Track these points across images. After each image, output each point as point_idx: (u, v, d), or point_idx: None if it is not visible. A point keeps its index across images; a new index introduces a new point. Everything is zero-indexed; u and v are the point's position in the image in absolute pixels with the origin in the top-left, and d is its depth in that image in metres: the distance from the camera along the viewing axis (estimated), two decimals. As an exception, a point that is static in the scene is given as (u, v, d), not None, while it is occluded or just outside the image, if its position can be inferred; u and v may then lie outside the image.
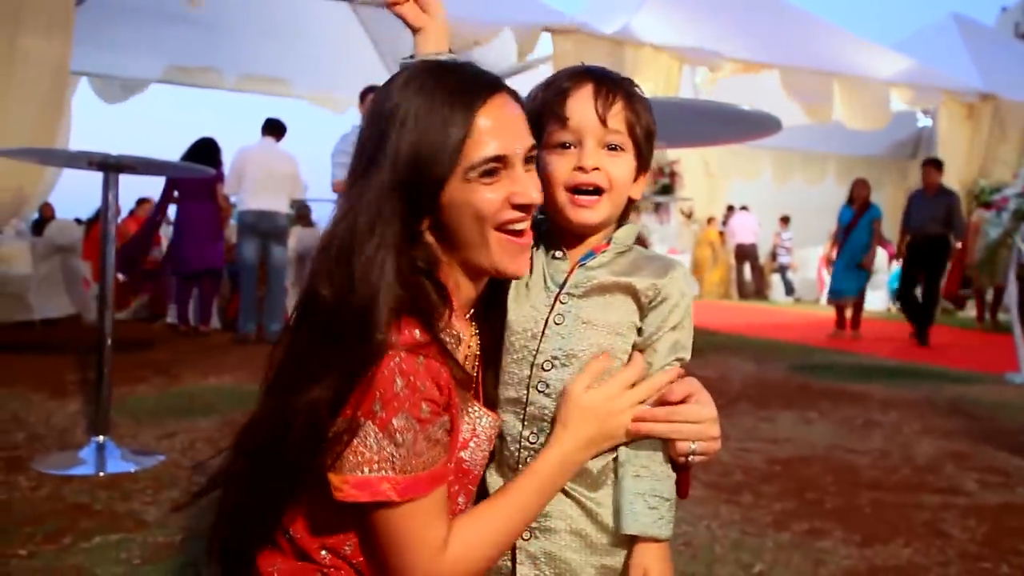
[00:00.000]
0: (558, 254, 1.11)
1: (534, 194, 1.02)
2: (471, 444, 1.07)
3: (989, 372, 6.24)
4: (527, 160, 1.04)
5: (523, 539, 1.09)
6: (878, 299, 11.59)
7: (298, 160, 7.01)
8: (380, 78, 7.29)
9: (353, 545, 1.04)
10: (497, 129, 1.00)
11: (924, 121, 11.66)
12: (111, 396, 3.34)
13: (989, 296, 9.86)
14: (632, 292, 1.07)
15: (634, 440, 1.08)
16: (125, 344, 5.76)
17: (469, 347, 1.12)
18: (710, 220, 14.65)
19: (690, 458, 1.05)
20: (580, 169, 1.06)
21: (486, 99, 1.00)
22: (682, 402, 1.07)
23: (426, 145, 0.98)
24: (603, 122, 1.06)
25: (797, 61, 8.58)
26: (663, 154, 8.67)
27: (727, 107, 2.87)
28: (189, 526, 2.51)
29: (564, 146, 1.07)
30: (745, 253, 14.67)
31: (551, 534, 1.08)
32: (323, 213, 9.53)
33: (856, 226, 8.37)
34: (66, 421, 3.79)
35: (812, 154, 14.59)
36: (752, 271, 14.92)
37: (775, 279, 15.26)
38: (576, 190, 1.07)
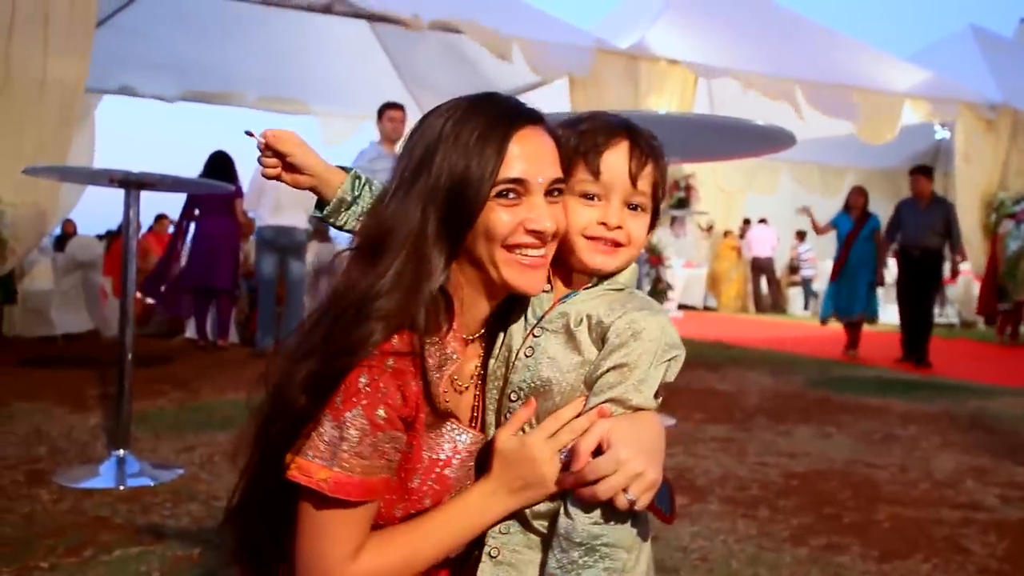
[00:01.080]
0: (547, 287, 1.12)
1: (547, 223, 1.04)
2: (454, 461, 1.08)
3: (1010, 386, 6.17)
4: (551, 192, 1.06)
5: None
6: (894, 312, 11.46)
7: None
8: (397, 94, 7.36)
9: None
10: (524, 155, 1.03)
11: (942, 133, 11.59)
12: (131, 410, 3.38)
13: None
14: (587, 327, 1.07)
15: (574, 502, 1.02)
16: (145, 359, 5.82)
17: (468, 367, 1.13)
18: (726, 233, 14.62)
19: (636, 507, 0.98)
20: (603, 224, 1.08)
21: (521, 127, 1.04)
22: (599, 452, 1.01)
23: (468, 169, 1.02)
24: (633, 183, 1.08)
25: (814, 75, 8.56)
26: (679, 168, 8.65)
27: (742, 122, 2.88)
28: (208, 539, 2.53)
29: (589, 197, 1.09)
30: (761, 266, 14.60)
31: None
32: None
33: (857, 238, 7.88)
34: (87, 435, 3.83)
35: (829, 167, 14.52)
36: (769, 284, 14.85)
37: (791, 292, 15.17)
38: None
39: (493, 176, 1.02)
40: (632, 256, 1.11)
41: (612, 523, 1.01)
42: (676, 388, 5.53)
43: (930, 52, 12.18)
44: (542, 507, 1.07)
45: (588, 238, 1.08)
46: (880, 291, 8.33)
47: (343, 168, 1.30)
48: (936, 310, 12.29)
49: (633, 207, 1.10)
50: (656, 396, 1.07)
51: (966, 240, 9.19)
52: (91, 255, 7.69)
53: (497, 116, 1.04)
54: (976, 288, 11.40)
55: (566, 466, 1.03)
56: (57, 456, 3.45)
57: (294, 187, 1.27)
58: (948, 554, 2.63)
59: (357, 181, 1.28)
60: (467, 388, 1.14)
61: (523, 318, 1.11)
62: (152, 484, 3.10)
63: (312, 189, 1.28)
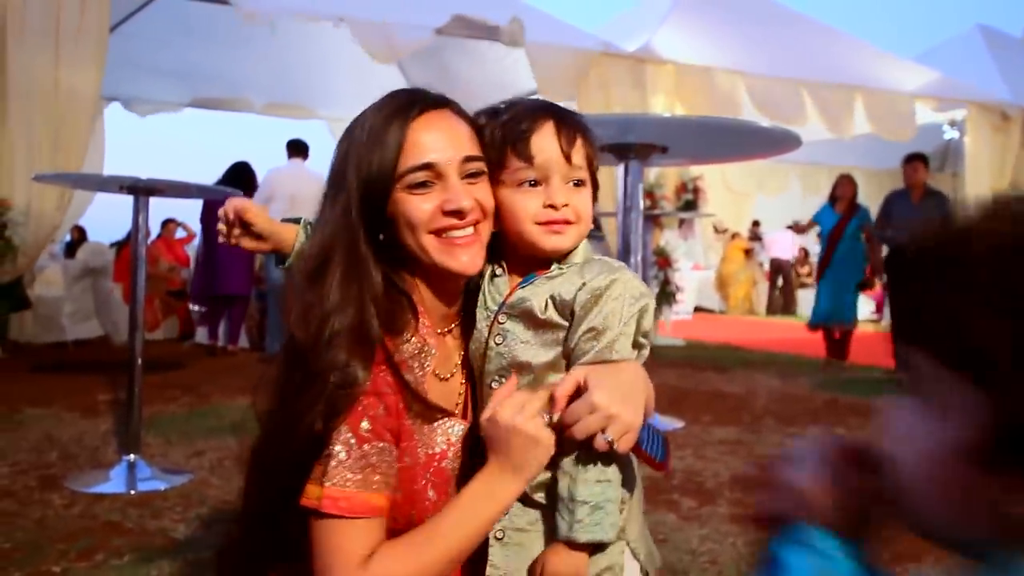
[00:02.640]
0: (498, 271, 1.13)
1: (464, 201, 1.05)
2: (449, 453, 1.11)
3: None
4: (468, 174, 1.07)
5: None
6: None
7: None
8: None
9: None
10: (429, 140, 1.05)
11: (951, 133, 11.54)
12: (141, 415, 3.40)
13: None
14: (556, 307, 1.08)
15: (567, 454, 1.05)
16: (155, 364, 5.84)
17: (452, 358, 1.15)
18: (734, 236, 14.59)
19: (617, 447, 1.00)
20: (551, 207, 1.08)
21: (421, 112, 1.05)
22: (577, 396, 1.03)
23: (371, 165, 1.04)
24: (568, 160, 1.08)
25: (821, 76, 8.54)
26: (686, 170, 8.61)
27: (747, 124, 2.87)
28: (218, 544, 2.54)
29: (530, 183, 1.09)
30: (781, 267, 14.57)
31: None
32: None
33: (844, 233, 6.87)
34: (98, 440, 3.85)
35: (838, 169, 14.45)
36: (784, 285, 14.82)
37: (800, 294, 15.13)
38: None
39: (395, 167, 1.03)
40: (583, 232, 1.11)
41: (610, 479, 1.04)
42: (684, 390, 5.52)
43: (938, 52, 12.14)
44: (539, 477, 1.08)
45: (539, 224, 1.09)
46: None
47: (294, 220, 1.35)
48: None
49: (577, 183, 1.10)
50: (636, 347, 1.08)
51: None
52: (101, 261, 7.73)
53: (394, 109, 1.05)
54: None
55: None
56: (68, 461, 3.47)
57: (255, 252, 1.33)
58: (959, 559, 2.61)
59: (308, 227, 1.32)
60: (452, 376, 1.15)
61: (483, 306, 1.12)
62: (163, 488, 3.12)
63: (273, 250, 1.34)
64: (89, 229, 10.95)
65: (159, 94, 10.22)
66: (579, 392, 1.02)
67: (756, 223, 15.02)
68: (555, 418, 1.02)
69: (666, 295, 8.44)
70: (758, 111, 8.07)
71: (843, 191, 6.93)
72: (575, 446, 1.04)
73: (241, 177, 6.85)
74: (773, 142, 2.94)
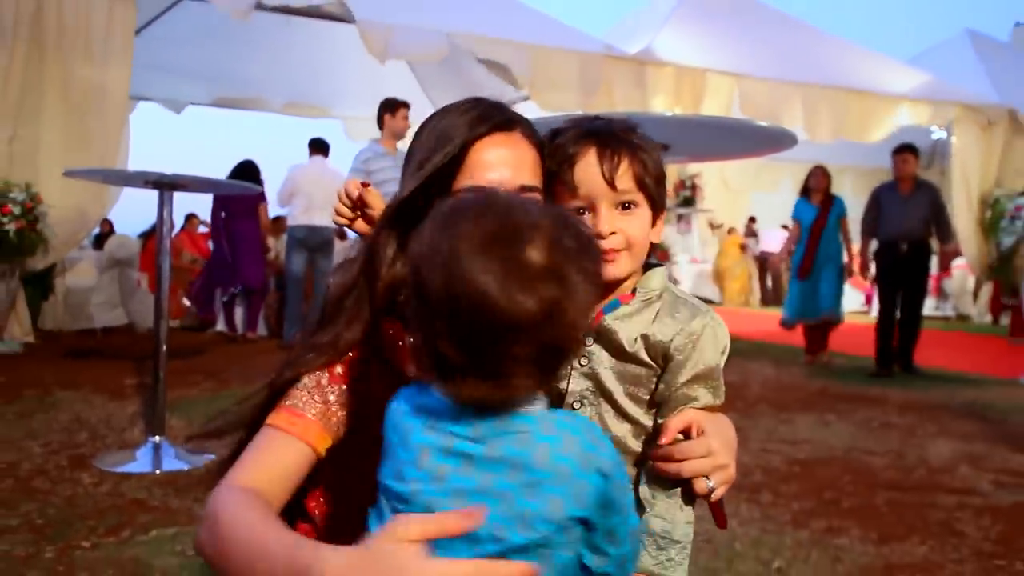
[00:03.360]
0: None
1: None
2: None
3: (1001, 377, 6.12)
4: None
5: None
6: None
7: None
8: (414, 96, 7.34)
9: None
10: (489, 161, 1.01)
11: (939, 133, 11.47)
12: (166, 399, 3.41)
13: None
14: (645, 347, 1.04)
15: (656, 483, 1.02)
16: (178, 351, 5.86)
17: None
18: (730, 231, 14.55)
19: (712, 496, 0.98)
20: (598, 236, 1.01)
21: (486, 134, 1.01)
22: (687, 437, 1.00)
23: (435, 159, 1.01)
24: (611, 186, 1.02)
25: (815, 79, 8.49)
26: (684, 167, 8.58)
27: (745, 123, 2.86)
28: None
29: (579, 212, 1.04)
30: (768, 261, 14.55)
31: None
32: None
33: (826, 225, 6.52)
34: (125, 422, 3.87)
35: (829, 167, 14.39)
36: (774, 279, 14.79)
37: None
38: None
39: (452, 181, 1.00)
40: (637, 256, 1.06)
41: (692, 522, 1.02)
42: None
43: (927, 56, 12.07)
44: None
45: None
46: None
47: None
48: (933, 303, 12.22)
49: (625, 206, 1.04)
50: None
51: (963, 239, 9.10)
52: (128, 252, 7.75)
53: (467, 122, 1.01)
54: (971, 282, 11.30)
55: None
56: (97, 442, 3.48)
57: (364, 236, 1.22)
58: (944, 537, 2.62)
59: None
60: None
61: None
62: (186, 468, 3.13)
63: None
64: (116, 222, 10.98)
65: (184, 94, 10.22)
66: (686, 435, 1.00)
67: (752, 219, 14.98)
68: (660, 441, 0.99)
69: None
70: (751, 113, 8.03)
71: (817, 182, 6.60)
72: (663, 484, 1.01)
73: (247, 175, 6.91)
74: (772, 140, 2.94)
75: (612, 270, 1.03)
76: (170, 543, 2.38)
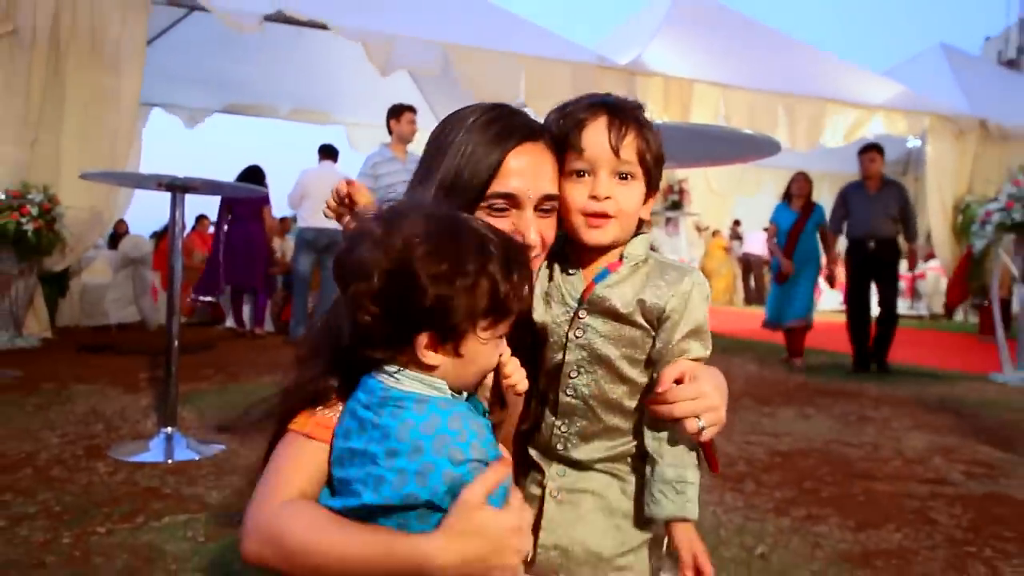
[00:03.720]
0: (571, 271, 1.10)
1: (532, 236, 1.03)
2: None
3: (972, 373, 6.14)
4: (542, 209, 1.05)
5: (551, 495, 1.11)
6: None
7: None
8: (416, 102, 7.33)
9: None
10: (519, 171, 1.02)
11: (914, 142, 11.50)
12: (178, 392, 3.40)
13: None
14: (640, 310, 1.06)
15: (656, 430, 1.05)
16: (189, 346, 5.85)
17: None
18: (715, 233, 14.58)
19: (703, 434, 1.00)
20: (594, 198, 1.05)
21: (519, 143, 1.03)
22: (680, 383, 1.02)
23: (466, 172, 1.02)
24: (616, 153, 1.04)
25: (795, 90, 8.50)
26: (672, 173, 8.59)
27: (730, 130, 2.86)
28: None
29: (579, 174, 1.06)
30: (751, 263, 14.57)
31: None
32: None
33: (803, 231, 6.27)
34: (138, 414, 3.86)
35: (814, 173, 14.41)
36: (756, 280, 14.83)
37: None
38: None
39: (484, 188, 1.02)
40: (624, 226, 1.07)
41: (695, 463, 1.06)
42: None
43: (903, 68, 12.11)
44: (603, 451, 1.09)
45: (584, 215, 1.06)
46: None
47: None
48: (908, 303, 12.24)
49: (623, 176, 1.06)
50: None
51: (937, 243, 9.13)
52: (141, 252, 7.73)
53: (496, 133, 1.03)
54: (944, 283, 11.34)
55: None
56: (112, 432, 3.48)
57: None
58: (917, 524, 2.62)
59: None
60: None
61: (561, 301, 1.10)
62: (197, 458, 3.13)
63: None
64: (130, 223, 10.96)
65: (194, 101, 10.20)
66: (679, 383, 1.03)
67: (737, 222, 15.00)
68: (656, 390, 1.02)
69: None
70: (735, 122, 8.04)
71: (799, 189, 6.37)
72: (661, 428, 1.04)
73: (253, 179, 6.97)
74: (756, 147, 2.94)
75: (598, 235, 1.05)
76: (182, 529, 2.37)
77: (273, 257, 7.92)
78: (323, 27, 6.58)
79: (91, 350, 5.95)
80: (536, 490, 1.14)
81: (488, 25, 7.38)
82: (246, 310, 7.67)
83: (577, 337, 1.07)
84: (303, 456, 0.92)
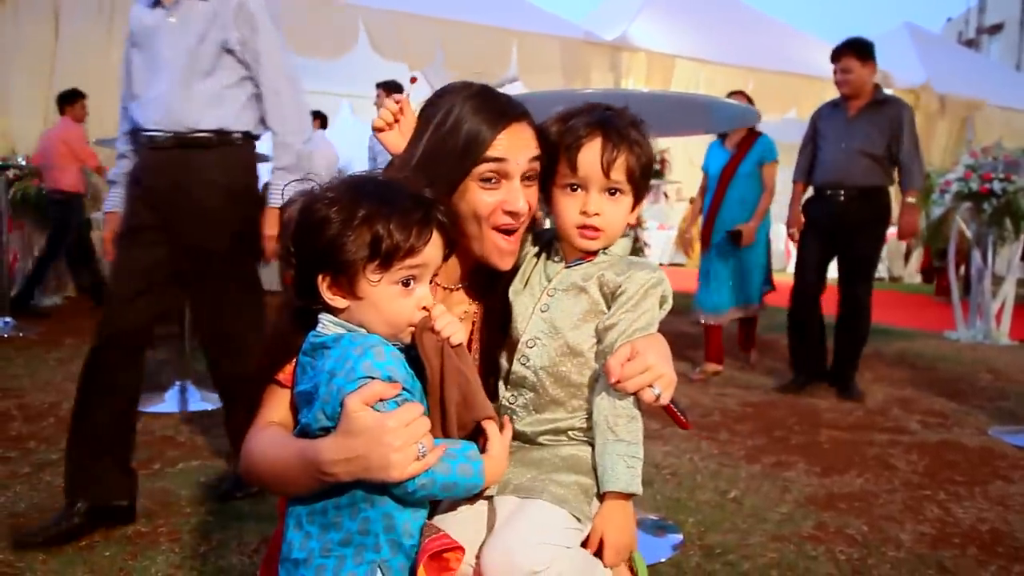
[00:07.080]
0: (556, 257, 1.13)
1: (520, 203, 1.06)
2: None
3: (929, 330, 6.16)
4: (527, 177, 1.07)
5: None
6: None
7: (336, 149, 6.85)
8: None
9: None
10: (508, 144, 1.05)
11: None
12: (191, 347, 3.36)
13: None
14: (598, 285, 1.08)
15: (607, 403, 1.03)
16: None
17: (455, 311, 1.11)
18: (692, 200, 14.52)
19: (660, 400, 1.00)
20: (584, 213, 1.07)
21: (510, 123, 1.06)
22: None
23: (461, 142, 1.04)
24: (606, 174, 1.06)
25: (767, 64, 8.39)
26: (655, 142, 8.50)
27: (710, 99, 2.79)
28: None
29: (573, 188, 1.09)
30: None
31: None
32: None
33: (735, 173, 4.03)
34: (154, 367, 3.80)
35: (781, 145, 14.34)
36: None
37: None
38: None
39: (475, 161, 1.04)
40: (611, 237, 1.10)
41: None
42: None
43: (870, 45, 11.97)
44: (567, 421, 1.07)
45: (576, 227, 1.09)
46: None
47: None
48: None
49: (612, 192, 1.08)
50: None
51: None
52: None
53: (488, 115, 1.05)
54: (903, 247, 11.36)
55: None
56: (130, 385, 3.43)
57: (388, 149, 1.19)
58: (878, 470, 2.63)
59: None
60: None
61: (537, 283, 1.12)
62: (210, 409, 3.10)
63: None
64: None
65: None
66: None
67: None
68: (609, 370, 1.00)
69: (636, 251, 8.39)
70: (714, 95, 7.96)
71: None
72: (616, 399, 1.03)
73: None
74: (735, 116, 2.87)
75: (589, 244, 1.10)
76: (196, 474, 2.36)
77: None
78: None
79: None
80: None
81: (483, 1, 7.19)
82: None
83: (543, 311, 1.09)
84: (274, 399, 1.02)
